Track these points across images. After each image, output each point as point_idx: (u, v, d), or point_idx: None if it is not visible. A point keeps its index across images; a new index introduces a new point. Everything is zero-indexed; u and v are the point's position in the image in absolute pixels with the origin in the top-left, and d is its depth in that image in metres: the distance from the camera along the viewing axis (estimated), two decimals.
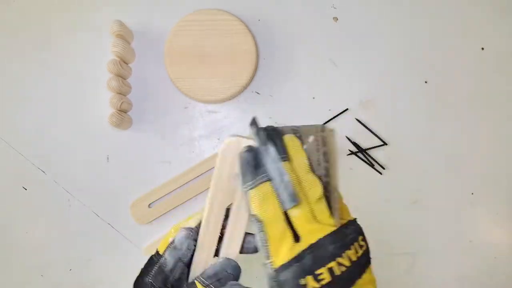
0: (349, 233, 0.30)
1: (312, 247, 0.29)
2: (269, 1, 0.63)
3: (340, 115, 0.61)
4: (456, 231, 0.60)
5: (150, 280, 0.34)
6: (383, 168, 0.60)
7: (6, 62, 0.63)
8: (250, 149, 0.32)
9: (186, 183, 0.60)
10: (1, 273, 0.61)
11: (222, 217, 0.36)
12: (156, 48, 0.61)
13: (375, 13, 0.62)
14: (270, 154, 0.31)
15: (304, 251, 0.29)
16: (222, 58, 0.60)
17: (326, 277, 0.28)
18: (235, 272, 0.35)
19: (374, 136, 0.61)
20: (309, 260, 0.28)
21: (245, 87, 0.61)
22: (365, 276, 0.30)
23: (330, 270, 0.28)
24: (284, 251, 0.29)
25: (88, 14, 0.63)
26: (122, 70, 0.58)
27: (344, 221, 0.32)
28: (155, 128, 0.61)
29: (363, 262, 0.30)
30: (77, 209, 0.61)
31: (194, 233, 0.36)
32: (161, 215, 0.60)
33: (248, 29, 0.60)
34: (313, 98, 0.61)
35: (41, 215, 0.61)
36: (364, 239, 0.31)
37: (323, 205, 0.31)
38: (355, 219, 0.33)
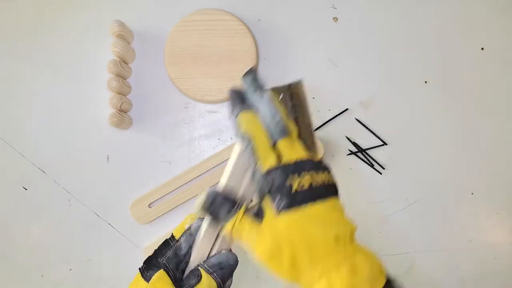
0: (322, 163, 0.36)
1: (293, 163, 0.34)
2: (269, 1, 0.63)
3: (340, 115, 0.61)
4: (456, 231, 0.60)
5: (164, 261, 0.38)
6: (383, 168, 0.61)
7: (6, 62, 0.63)
8: (237, 89, 0.37)
9: (186, 183, 0.60)
10: (1, 273, 0.61)
11: None
12: (156, 48, 0.61)
13: (375, 13, 0.62)
14: (265, 98, 0.36)
15: (288, 162, 0.34)
16: (222, 58, 0.60)
17: (306, 183, 0.33)
18: (235, 264, 0.39)
19: (374, 136, 0.61)
20: (291, 167, 0.34)
21: None
22: (336, 201, 0.35)
23: (310, 178, 0.33)
24: (271, 159, 0.34)
25: (89, 14, 0.63)
26: (122, 70, 0.58)
27: (318, 156, 0.37)
28: (155, 128, 0.62)
29: (334, 188, 0.36)
30: (77, 209, 0.61)
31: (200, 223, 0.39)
32: (161, 215, 0.60)
33: (248, 29, 0.60)
34: (313, 98, 0.61)
35: (41, 215, 0.61)
36: (332, 175, 0.36)
37: (298, 142, 0.37)
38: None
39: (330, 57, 0.62)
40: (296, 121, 0.39)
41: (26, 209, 0.61)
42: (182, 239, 0.39)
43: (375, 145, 0.60)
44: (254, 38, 0.61)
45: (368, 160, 0.60)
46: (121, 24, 0.58)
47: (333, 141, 0.61)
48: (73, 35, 0.63)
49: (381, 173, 0.61)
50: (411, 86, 0.61)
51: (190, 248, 0.39)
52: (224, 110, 0.62)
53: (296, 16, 0.62)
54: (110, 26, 0.58)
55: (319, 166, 0.35)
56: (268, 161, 0.34)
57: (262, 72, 0.62)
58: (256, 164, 0.35)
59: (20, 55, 0.63)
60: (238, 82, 0.59)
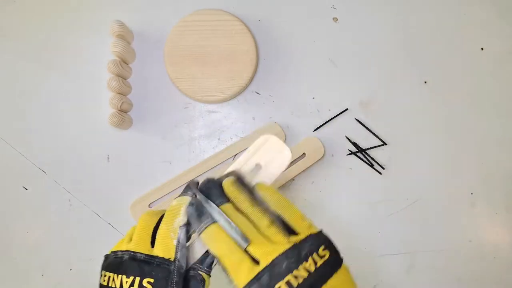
0: (305, 248, 0.33)
1: (268, 267, 0.32)
2: (269, 1, 0.63)
3: (340, 115, 0.61)
4: (456, 231, 0.60)
5: None
6: (383, 168, 0.61)
7: (6, 62, 0.63)
8: (192, 203, 0.36)
9: (186, 183, 0.60)
10: (2, 273, 0.61)
11: None
12: (156, 48, 0.61)
13: (375, 13, 0.62)
14: (213, 208, 0.35)
15: (261, 272, 0.32)
16: (222, 58, 0.60)
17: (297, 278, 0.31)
18: None
19: (373, 136, 0.61)
20: (266, 278, 0.31)
21: (245, 87, 0.61)
22: (334, 281, 0.32)
23: (287, 284, 0.31)
24: (243, 275, 0.32)
25: (89, 14, 0.63)
26: (122, 70, 0.58)
27: (302, 237, 0.34)
28: (155, 128, 0.62)
29: (326, 270, 0.32)
30: (77, 208, 0.61)
31: (189, 227, 0.38)
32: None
33: (248, 29, 0.60)
34: (313, 98, 0.62)
35: (42, 215, 0.61)
36: (326, 249, 0.33)
37: (274, 229, 0.34)
38: (319, 231, 0.35)
39: (330, 57, 0.62)
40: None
41: (27, 209, 0.61)
42: (179, 256, 0.36)
43: (375, 145, 0.60)
44: (254, 38, 0.61)
45: (368, 160, 0.60)
46: (121, 24, 0.58)
47: (333, 141, 0.61)
48: (73, 35, 0.63)
49: (381, 173, 0.61)
50: (411, 86, 0.61)
51: (187, 259, 0.37)
52: (224, 110, 0.62)
53: (296, 16, 0.62)
54: (110, 26, 0.58)
55: (300, 253, 0.32)
56: (240, 278, 0.32)
57: (262, 72, 0.62)
58: (232, 284, 0.33)
59: (19, 55, 0.63)
60: (238, 81, 0.59)
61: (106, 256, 0.38)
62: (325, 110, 0.61)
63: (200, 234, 0.34)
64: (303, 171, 0.60)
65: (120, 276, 0.35)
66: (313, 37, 0.62)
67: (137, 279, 0.35)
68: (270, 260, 0.32)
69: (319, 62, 0.62)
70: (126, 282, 0.35)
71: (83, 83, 0.62)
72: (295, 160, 0.60)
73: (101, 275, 0.37)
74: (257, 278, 0.31)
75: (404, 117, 0.61)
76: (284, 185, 0.60)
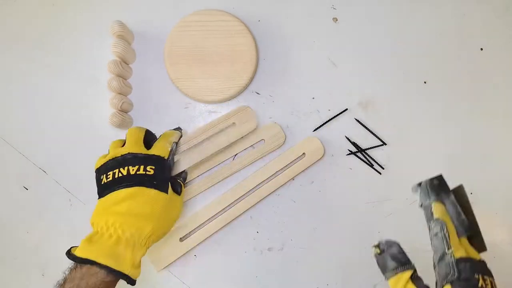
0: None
1: (479, 262, 0.40)
2: (269, 1, 0.63)
3: (340, 115, 0.61)
4: None
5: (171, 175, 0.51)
6: (382, 168, 0.61)
7: (7, 62, 0.63)
8: (434, 182, 0.46)
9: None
10: (2, 272, 0.61)
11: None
12: (157, 48, 0.61)
13: (375, 13, 0.63)
14: (451, 198, 0.44)
15: (475, 259, 0.39)
16: (222, 58, 0.60)
17: (489, 286, 0.38)
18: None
19: (373, 136, 0.61)
20: (481, 266, 0.39)
21: (245, 87, 0.61)
22: None
23: (491, 283, 0.38)
24: (461, 250, 0.39)
25: (89, 14, 0.63)
26: (122, 70, 0.58)
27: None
28: (156, 128, 0.61)
29: None
30: (78, 208, 0.61)
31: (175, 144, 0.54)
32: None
33: (248, 29, 0.60)
34: (313, 98, 0.62)
35: (42, 215, 0.61)
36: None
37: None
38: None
39: (330, 57, 0.62)
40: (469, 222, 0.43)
41: (27, 209, 0.61)
42: (170, 158, 0.51)
43: (374, 145, 0.61)
44: (254, 38, 0.61)
45: (368, 160, 0.61)
46: (122, 25, 0.58)
47: (333, 141, 0.61)
48: (73, 35, 0.63)
49: (380, 173, 0.61)
50: (410, 86, 0.62)
51: (173, 159, 0.53)
52: (224, 110, 0.62)
53: (296, 17, 0.63)
54: (110, 26, 0.58)
55: (489, 272, 0.40)
56: (459, 251, 0.39)
57: (262, 72, 0.62)
58: (447, 249, 0.39)
59: (20, 55, 0.63)
60: (238, 81, 0.60)
61: (98, 168, 0.50)
62: (325, 110, 0.61)
63: (431, 203, 0.44)
64: (303, 171, 0.60)
65: (126, 167, 0.46)
66: (313, 37, 0.62)
67: (142, 166, 0.47)
68: (478, 258, 0.41)
69: (319, 62, 0.62)
70: (133, 169, 0.46)
71: (83, 83, 0.62)
72: (295, 160, 0.60)
73: (100, 179, 0.48)
74: (474, 260, 0.39)
75: (404, 117, 0.61)
76: (284, 185, 0.60)
